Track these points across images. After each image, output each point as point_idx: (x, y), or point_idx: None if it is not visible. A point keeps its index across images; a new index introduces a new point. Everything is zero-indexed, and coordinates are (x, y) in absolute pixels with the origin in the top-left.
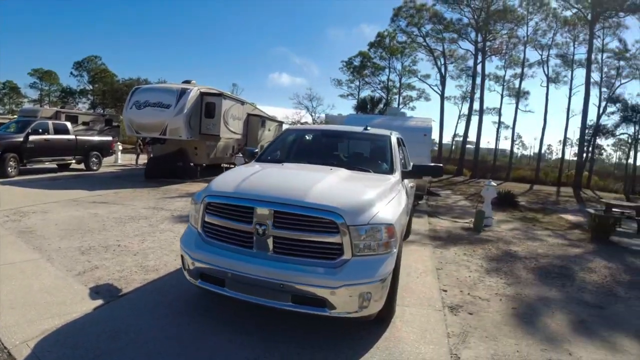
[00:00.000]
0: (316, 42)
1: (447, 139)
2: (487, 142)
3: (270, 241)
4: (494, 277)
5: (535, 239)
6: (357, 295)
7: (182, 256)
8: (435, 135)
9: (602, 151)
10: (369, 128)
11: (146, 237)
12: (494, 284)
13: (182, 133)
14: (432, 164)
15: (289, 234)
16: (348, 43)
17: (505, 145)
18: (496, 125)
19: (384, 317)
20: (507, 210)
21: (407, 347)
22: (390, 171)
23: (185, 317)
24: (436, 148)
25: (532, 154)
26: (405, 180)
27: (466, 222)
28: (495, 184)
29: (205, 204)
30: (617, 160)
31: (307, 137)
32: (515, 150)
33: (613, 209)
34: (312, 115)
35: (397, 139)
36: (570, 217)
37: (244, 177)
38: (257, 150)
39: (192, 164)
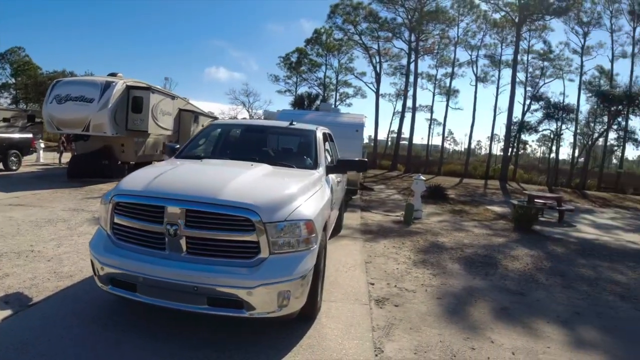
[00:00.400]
0: (255, 36)
1: (383, 135)
2: (421, 138)
3: (183, 242)
4: (420, 269)
5: (462, 230)
6: (275, 294)
7: (91, 261)
8: (370, 132)
9: (528, 146)
10: (294, 123)
11: (63, 241)
12: (420, 275)
13: (107, 129)
14: (357, 159)
15: (202, 234)
16: (287, 38)
17: (438, 141)
18: (429, 122)
19: (308, 314)
20: (437, 203)
21: (331, 343)
22: (314, 166)
23: (99, 326)
24: (372, 144)
25: (463, 149)
26: (333, 175)
27: (397, 216)
28: (424, 178)
29: (114, 203)
30: (541, 154)
31: (231, 132)
32: (447, 146)
33: (535, 200)
34: (249, 111)
35: (324, 134)
36: (496, 209)
37: (157, 175)
38: (177, 146)
39: (118, 162)
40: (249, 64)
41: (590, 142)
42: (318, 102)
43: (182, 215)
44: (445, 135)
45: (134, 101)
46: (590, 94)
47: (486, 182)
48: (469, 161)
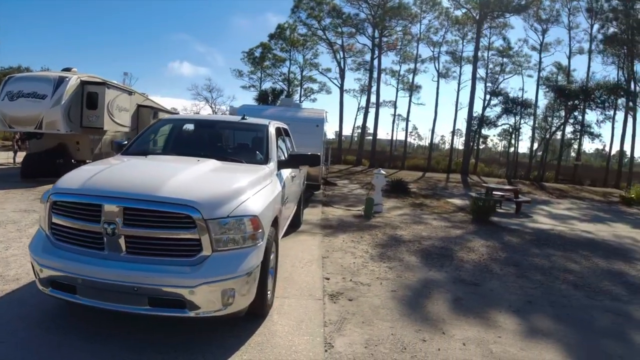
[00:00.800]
0: (220, 31)
1: (348, 131)
2: (387, 133)
3: (122, 241)
4: (377, 262)
5: (421, 223)
6: (219, 293)
7: (31, 263)
8: (335, 127)
9: (490, 140)
10: (246, 118)
11: (11, 243)
12: (376, 269)
13: (60, 126)
14: (309, 153)
15: (141, 232)
16: (254, 32)
17: (404, 136)
18: (393, 118)
19: (258, 311)
20: (399, 197)
21: (280, 340)
22: (265, 161)
23: (42, 329)
24: (336, 139)
25: (427, 144)
26: (287, 170)
27: (358, 210)
28: (384, 173)
29: (51, 202)
30: (502, 148)
31: (181, 128)
32: (412, 141)
33: (494, 192)
34: (212, 107)
35: (277, 128)
36: (456, 201)
37: (96, 172)
38: (125, 142)
39: (73, 161)
40: (215, 59)
41: (547, 136)
42: (283, 97)
43: (119, 214)
44: (410, 130)
45: (89, 97)
46: (548, 89)
47: (448, 176)
48: (433, 156)
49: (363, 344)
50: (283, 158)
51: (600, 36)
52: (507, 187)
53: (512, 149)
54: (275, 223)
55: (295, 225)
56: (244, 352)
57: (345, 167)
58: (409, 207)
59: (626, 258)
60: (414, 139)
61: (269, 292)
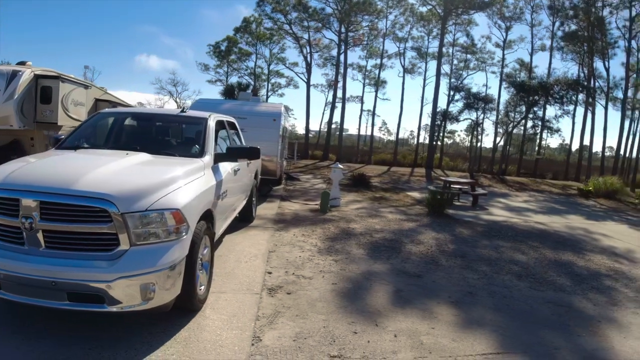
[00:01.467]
0: (189, 23)
1: (317, 126)
2: (357, 129)
3: (40, 236)
4: (324, 255)
5: (377, 216)
6: (138, 287)
7: None
8: (303, 122)
9: (457, 135)
10: (186, 110)
11: None
12: (322, 262)
13: (13, 122)
14: (248, 146)
15: (58, 227)
16: (224, 24)
17: (374, 131)
18: (364, 113)
19: (187, 306)
20: (360, 191)
21: (208, 335)
22: (200, 154)
23: None
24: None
25: (397, 139)
26: (228, 164)
27: (316, 204)
28: (342, 167)
29: None
30: (469, 143)
31: (120, 121)
32: (382, 136)
33: (452, 185)
34: (176, 102)
35: (219, 121)
36: (415, 195)
37: (19, 166)
38: (62, 136)
39: None
40: (185, 52)
41: (508, 131)
42: (248, 91)
43: (36, 208)
44: (380, 126)
45: (43, 91)
46: (509, 85)
47: (413, 170)
48: (401, 150)
49: (292, 337)
50: (221, 151)
51: (560, 33)
52: (464, 180)
53: (476, 144)
54: (208, 217)
55: (246, 219)
56: (168, 347)
57: (312, 162)
58: (367, 201)
59: (575, 249)
60: (384, 134)
61: (202, 287)
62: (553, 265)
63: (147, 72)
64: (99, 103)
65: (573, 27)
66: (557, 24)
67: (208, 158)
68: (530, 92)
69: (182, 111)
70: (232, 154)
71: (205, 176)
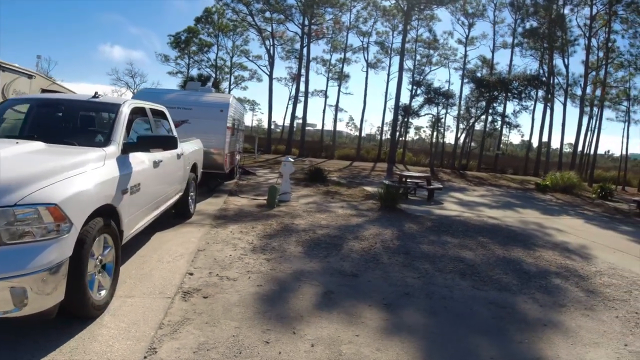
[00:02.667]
0: (156, 11)
1: (280, 120)
2: (325, 124)
3: None
4: (257, 254)
5: (325, 211)
6: (7, 291)
7: None
8: (265, 116)
9: (423, 132)
10: (99, 96)
11: None
12: (252, 262)
13: None
14: (163, 135)
15: None
16: (192, 14)
17: (341, 127)
18: (331, 108)
19: (79, 313)
20: (315, 186)
21: (98, 345)
22: (105, 143)
23: None
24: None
25: (365, 134)
26: (146, 155)
27: (264, 199)
28: (292, 160)
29: None
30: (434, 140)
31: (27, 107)
32: (349, 131)
33: (408, 180)
34: (133, 93)
35: (137, 108)
36: (371, 189)
37: None
38: None
39: None
40: (151, 42)
41: (469, 126)
42: (209, 84)
43: None
44: (347, 121)
45: None
46: (469, 80)
47: (375, 165)
48: (366, 145)
49: (193, 349)
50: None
51: (521, 30)
52: (419, 174)
53: (437, 139)
54: (111, 213)
55: (183, 215)
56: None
57: (274, 157)
58: (320, 195)
59: (526, 245)
60: (351, 130)
61: (102, 291)
62: (501, 263)
63: (112, 64)
64: (46, 94)
65: (534, 24)
66: (518, 21)
67: (113, 148)
68: (490, 87)
69: (95, 97)
70: (143, 144)
71: (105, 167)
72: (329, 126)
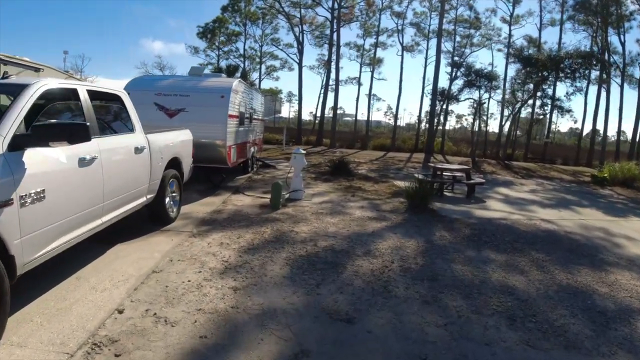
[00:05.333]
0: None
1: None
2: (362, 113)
3: None
4: (225, 279)
5: (339, 213)
6: None
7: None
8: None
9: (464, 119)
10: (9, 76)
11: None
12: (213, 292)
13: None
14: (69, 122)
15: None
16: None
17: (379, 116)
18: (358, 95)
19: None
20: (336, 180)
21: None
22: None
23: None
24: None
25: (404, 124)
26: (66, 150)
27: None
28: (303, 152)
29: None
30: (477, 128)
31: None
32: (387, 120)
33: (444, 173)
34: None
35: (56, 90)
36: (402, 184)
37: None
38: None
39: None
40: (185, 35)
41: (514, 112)
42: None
43: None
44: (385, 110)
45: None
46: (515, 60)
47: (411, 156)
48: (404, 135)
49: None
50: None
51: (571, 2)
52: (458, 166)
53: (479, 127)
54: None
55: (161, 221)
56: None
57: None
58: (340, 192)
59: (594, 262)
60: (389, 119)
61: None
62: (565, 295)
63: (150, 58)
64: None
65: None
66: None
67: None
68: (539, 66)
69: (3, 77)
70: (40, 136)
71: None
72: (364, 116)
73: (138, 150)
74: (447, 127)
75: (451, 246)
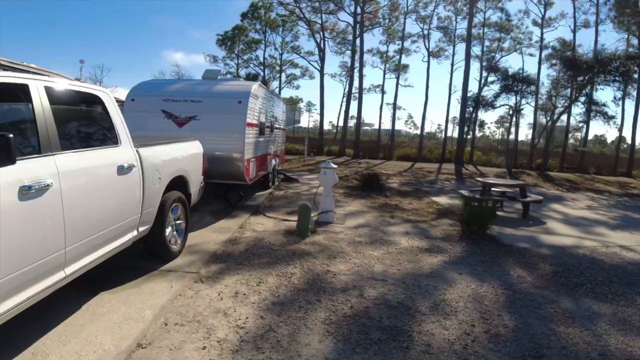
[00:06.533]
0: (215, 12)
1: (336, 119)
2: (383, 123)
3: None
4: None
5: (383, 242)
6: None
7: None
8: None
9: (487, 128)
10: None
11: None
12: None
13: None
14: None
15: None
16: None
17: (401, 125)
18: (388, 106)
19: None
20: (369, 196)
21: None
22: None
23: None
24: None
25: (425, 133)
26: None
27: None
28: (334, 166)
29: None
30: (500, 136)
31: None
32: (408, 129)
33: (492, 189)
34: None
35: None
36: (443, 201)
37: None
38: None
39: None
40: (207, 45)
41: (552, 118)
42: (217, 69)
43: None
44: (405, 119)
45: None
46: (555, 62)
47: (440, 166)
48: (428, 145)
49: None
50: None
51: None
52: (511, 182)
53: (512, 135)
54: None
55: (160, 257)
56: None
57: (326, 159)
58: (376, 212)
59: None
60: (410, 128)
61: None
62: None
63: (170, 68)
64: None
65: None
66: None
67: None
68: (583, 68)
69: None
70: None
71: None
72: (386, 125)
73: (123, 169)
74: (471, 136)
75: (539, 293)
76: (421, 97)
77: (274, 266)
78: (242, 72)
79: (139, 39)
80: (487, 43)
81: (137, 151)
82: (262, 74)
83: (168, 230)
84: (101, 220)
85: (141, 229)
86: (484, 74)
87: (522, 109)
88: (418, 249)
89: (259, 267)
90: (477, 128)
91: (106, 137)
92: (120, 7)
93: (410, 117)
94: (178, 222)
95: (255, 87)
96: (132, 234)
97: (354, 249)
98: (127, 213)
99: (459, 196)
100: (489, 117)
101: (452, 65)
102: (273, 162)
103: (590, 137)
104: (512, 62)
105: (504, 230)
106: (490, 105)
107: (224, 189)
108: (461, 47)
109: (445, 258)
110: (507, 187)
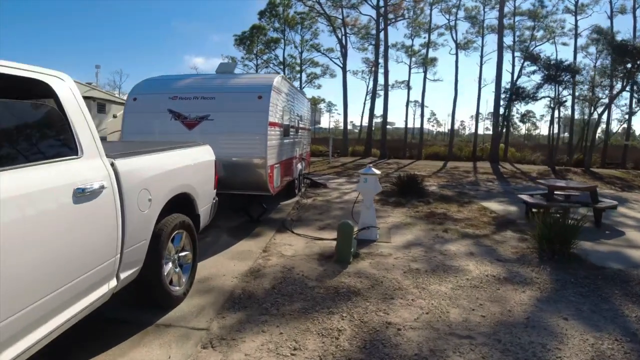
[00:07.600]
0: (235, 16)
1: (358, 119)
2: (403, 120)
3: None
4: None
5: (447, 270)
6: None
7: None
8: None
9: (514, 124)
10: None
11: None
12: None
13: None
14: None
15: None
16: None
17: (426, 124)
18: (412, 103)
19: None
20: (410, 203)
21: None
22: None
23: None
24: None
25: (447, 130)
26: None
27: (334, 240)
28: (377, 172)
29: None
30: (525, 131)
31: None
32: (430, 127)
33: (555, 192)
34: None
35: None
36: (494, 207)
37: None
38: None
39: None
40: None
41: (595, 110)
42: (231, 62)
43: None
44: (428, 117)
45: None
46: (602, 49)
47: (475, 165)
48: (454, 142)
49: None
50: None
51: None
52: (576, 184)
53: (553, 129)
54: None
55: (157, 304)
56: None
57: (352, 160)
58: (424, 224)
59: None
60: (433, 126)
61: None
62: None
63: (187, 71)
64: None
65: None
66: None
67: None
68: (634, 55)
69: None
70: None
71: None
72: (409, 123)
73: (84, 193)
74: (509, 131)
75: None
76: (444, 94)
77: (313, 316)
78: (262, 73)
79: (159, 45)
80: (517, 33)
81: (112, 164)
82: (282, 73)
83: (168, 268)
84: (45, 279)
85: (124, 274)
86: (519, 64)
87: (565, 101)
88: (495, 280)
89: (292, 318)
90: (515, 122)
91: (58, 144)
92: (140, 12)
93: (432, 114)
94: (182, 254)
95: (277, 79)
96: (108, 286)
97: (414, 283)
98: (95, 258)
99: (512, 199)
100: (534, 105)
101: (482, 57)
102: (299, 166)
103: (615, 130)
104: (545, 52)
105: (583, 245)
106: (531, 97)
107: (244, 202)
108: (490, 38)
109: (536, 293)
110: (574, 190)
